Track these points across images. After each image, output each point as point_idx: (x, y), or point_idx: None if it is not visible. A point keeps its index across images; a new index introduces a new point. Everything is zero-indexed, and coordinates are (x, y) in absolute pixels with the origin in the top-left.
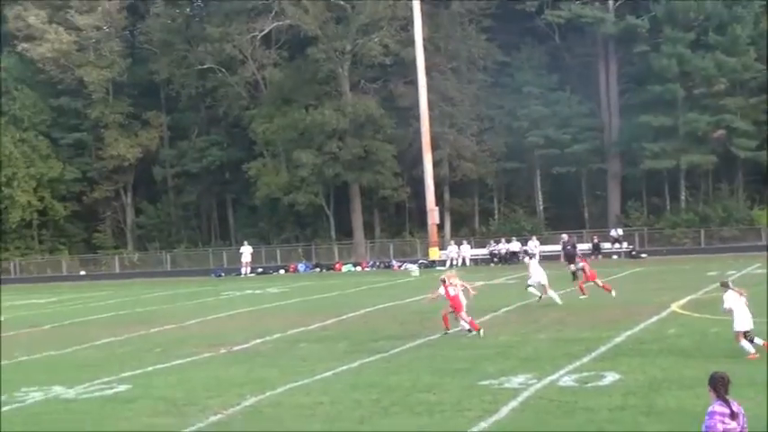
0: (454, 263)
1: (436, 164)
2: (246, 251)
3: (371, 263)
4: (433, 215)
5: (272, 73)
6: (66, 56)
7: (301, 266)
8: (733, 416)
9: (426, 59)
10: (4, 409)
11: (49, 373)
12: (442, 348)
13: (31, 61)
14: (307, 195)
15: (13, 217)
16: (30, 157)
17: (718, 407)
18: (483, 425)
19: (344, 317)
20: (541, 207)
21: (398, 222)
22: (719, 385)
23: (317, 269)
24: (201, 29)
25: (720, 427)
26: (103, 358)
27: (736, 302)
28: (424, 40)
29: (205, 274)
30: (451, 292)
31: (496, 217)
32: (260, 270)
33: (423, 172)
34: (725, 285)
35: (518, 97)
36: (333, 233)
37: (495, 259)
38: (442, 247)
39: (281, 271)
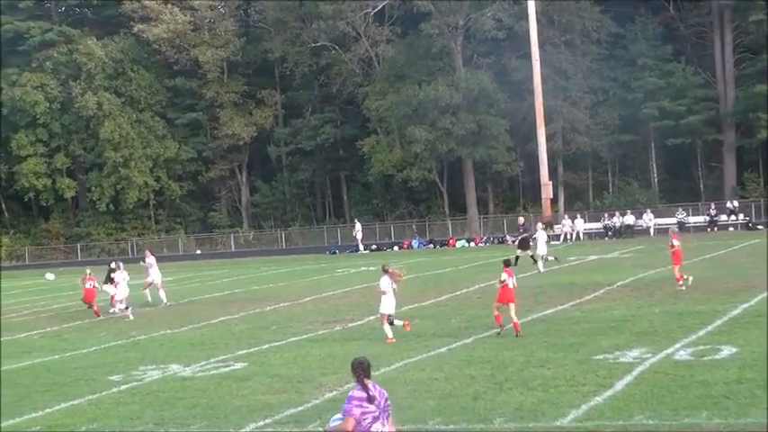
0: (568, 237)
1: (550, 137)
2: (357, 228)
3: (485, 238)
4: (547, 189)
5: (386, 49)
6: (181, 36)
7: (415, 243)
8: (371, 399)
9: (540, 33)
10: (122, 387)
11: (166, 352)
12: (555, 323)
13: (147, 42)
14: (420, 171)
15: (130, 197)
16: (146, 137)
17: (356, 392)
18: (598, 399)
19: (458, 293)
20: (656, 179)
21: (512, 197)
22: (359, 370)
23: (431, 245)
24: (315, 6)
25: (357, 411)
26: (219, 336)
27: (387, 286)
28: (537, 12)
29: (319, 251)
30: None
31: (611, 190)
32: (374, 247)
33: (536, 146)
34: (384, 270)
35: (632, 69)
36: (446, 209)
37: (610, 233)
38: (556, 222)
39: (395, 247)
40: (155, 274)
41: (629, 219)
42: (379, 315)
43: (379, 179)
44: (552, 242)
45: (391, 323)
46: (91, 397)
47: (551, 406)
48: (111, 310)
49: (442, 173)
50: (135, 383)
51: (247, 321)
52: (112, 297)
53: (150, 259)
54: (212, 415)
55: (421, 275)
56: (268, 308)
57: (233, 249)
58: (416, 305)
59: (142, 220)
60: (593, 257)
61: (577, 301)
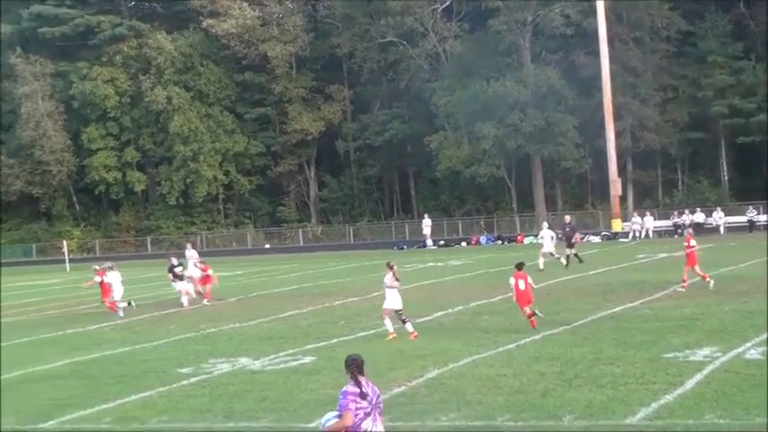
0: (637, 235)
1: (618, 135)
2: (425, 224)
3: (553, 235)
4: (616, 186)
5: (454, 45)
6: (250, 31)
7: (483, 239)
8: (363, 396)
9: (608, 29)
10: (192, 379)
11: (235, 345)
12: (625, 321)
13: (216, 37)
14: (488, 167)
15: (199, 191)
16: (215, 131)
17: (350, 387)
18: (668, 398)
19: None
20: (726, 177)
21: (580, 194)
22: (352, 367)
23: (499, 241)
24: (383, 2)
25: (353, 406)
26: (288, 330)
27: (392, 282)
28: (605, 9)
29: (387, 246)
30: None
31: (680, 188)
32: (442, 242)
33: (605, 143)
34: (389, 266)
35: (702, 66)
36: (514, 205)
37: (679, 231)
38: (625, 219)
39: (463, 243)
40: (192, 268)
41: (699, 217)
42: (446, 312)
43: (447, 175)
44: (621, 239)
45: (404, 322)
46: (161, 389)
47: (621, 404)
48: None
49: (510, 169)
50: (205, 376)
51: (316, 316)
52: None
53: (190, 252)
54: (281, 408)
55: (489, 271)
56: (336, 302)
57: (301, 244)
58: (485, 301)
59: (211, 214)
60: (663, 255)
61: (647, 298)
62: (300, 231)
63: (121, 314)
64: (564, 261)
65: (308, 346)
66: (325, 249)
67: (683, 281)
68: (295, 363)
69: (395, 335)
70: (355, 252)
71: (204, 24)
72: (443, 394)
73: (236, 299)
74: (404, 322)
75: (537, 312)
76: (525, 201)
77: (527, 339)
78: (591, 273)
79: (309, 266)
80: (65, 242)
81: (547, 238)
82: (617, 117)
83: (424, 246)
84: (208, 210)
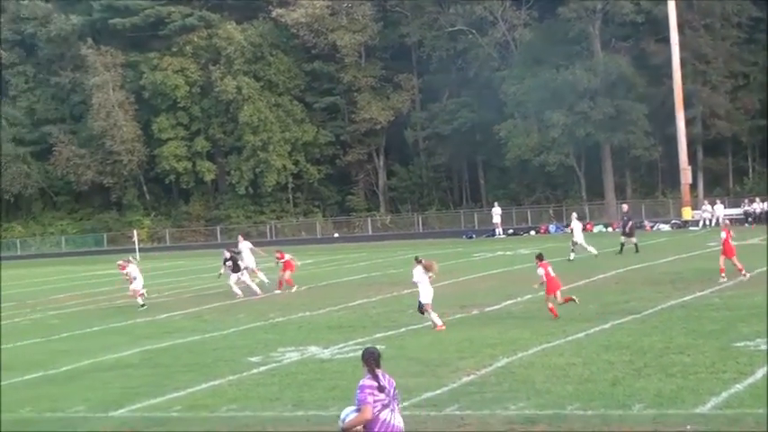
0: (707, 223)
1: (689, 122)
2: (496, 212)
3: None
4: (686, 174)
5: (523, 33)
6: (319, 21)
7: (552, 227)
8: (381, 389)
9: (679, 16)
10: (262, 368)
11: (304, 334)
12: (695, 309)
13: (286, 27)
14: (557, 156)
15: (269, 180)
16: (284, 121)
17: (367, 380)
18: (738, 387)
19: (595, 278)
20: None
21: (650, 182)
22: (370, 360)
23: (568, 230)
24: None
25: (371, 399)
26: (357, 319)
27: (422, 276)
28: None
29: (456, 235)
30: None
31: (751, 176)
32: (510, 231)
33: (675, 131)
34: (417, 261)
35: None
36: (583, 193)
37: (750, 219)
38: (695, 207)
39: (532, 232)
40: (248, 259)
41: None
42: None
43: (516, 163)
44: (691, 227)
45: (422, 313)
46: (231, 378)
47: (691, 393)
48: (276, 291)
49: (580, 157)
50: (274, 365)
51: (385, 305)
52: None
53: (243, 244)
54: (350, 397)
55: (557, 260)
56: (405, 291)
57: (370, 233)
58: None
59: (281, 204)
60: (733, 243)
61: (717, 287)
62: (369, 220)
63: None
64: (594, 251)
65: (377, 335)
66: (394, 238)
67: (721, 271)
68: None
69: (443, 326)
70: (424, 241)
71: (274, 14)
72: (513, 383)
73: (305, 288)
74: (422, 313)
75: (574, 298)
76: (594, 189)
77: (596, 328)
78: (660, 261)
79: (378, 255)
80: (135, 232)
81: (577, 229)
82: (687, 104)
83: (493, 234)
84: (277, 199)
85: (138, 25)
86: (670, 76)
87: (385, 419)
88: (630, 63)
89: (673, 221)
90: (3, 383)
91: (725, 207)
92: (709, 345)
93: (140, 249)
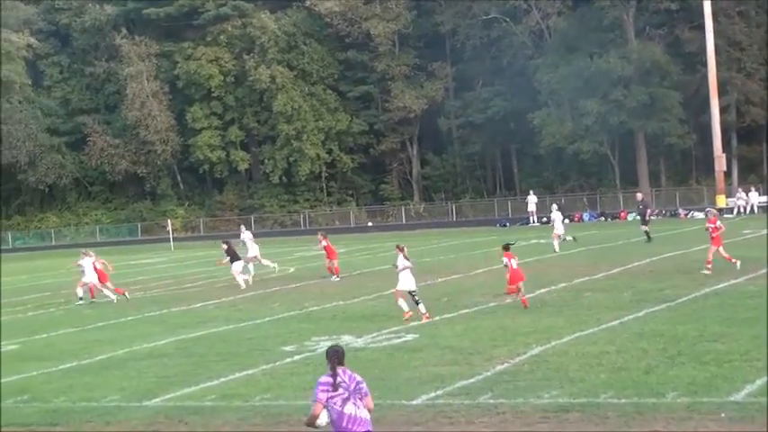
0: (741, 211)
1: (723, 110)
2: (532, 200)
3: (657, 211)
4: (721, 162)
5: (557, 21)
6: (353, 9)
7: (586, 215)
8: (337, 385)
9: (713, 4)
10: (296, 357)
11: (338, 323)
12: (729, 297)
13: (319, 16)
14: (591, 144)
15: (302, 169)
16: (318, 110)
17: (324, 377)
18: None
19: (630, 266)
20: None
21: (684, 170)
22: (333, 358)
23: (602, 218)
24: None
25: (324, 396)
26: (391, 308)
27: (404, 263)
28: None
29: (490, 223)
30: None
31: None
32: (544, 219)
33: (709, 118)
34: (399, 248)
35: None
36: (617, 182)
37: None
38: (729, 195)
39: (566, 220)
40: (252, 249)
41: None
42: (549, 289)
43: (550, 152)
44: (725, 215)
45: (417, 303)
46: (265, 367)
47: (725, 381)
48: (334, 278)
49: (614, 145)
50: (308, 354)
51: (419, 293)
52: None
53: (245, 234)
54: (384, 386)
55: (592, 248)
56: (439, 280)
57: (404, 222)
58: (587, 278)
59: (314, 193)
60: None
61: (752, 275)
62: (403, 209)
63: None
64: (570, 238)
65: (411, 324)
66: (428, 227)
67: (708, 262)
68: (398, 340)
69: (411, 313)
70: (458, 230)
71: (307, 3)
72: (546, 371)
73: (339, 277)
74: (417, 303)
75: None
76: (628, 177)
77: (630, 316)
78: (694, 249)
79: (412, 244)
80: (169, 221)
81: (557, 220)
82: (722, 92)
83: (527, 223)
84: (311, 188)
85: (172, 15)
86: (704, 64)
87: (351, 414)
88: (664, 50)
89: (707, 209)
90: (36, 373)
91: (759, 194)
92: (743, 333)
93: (174, 239)
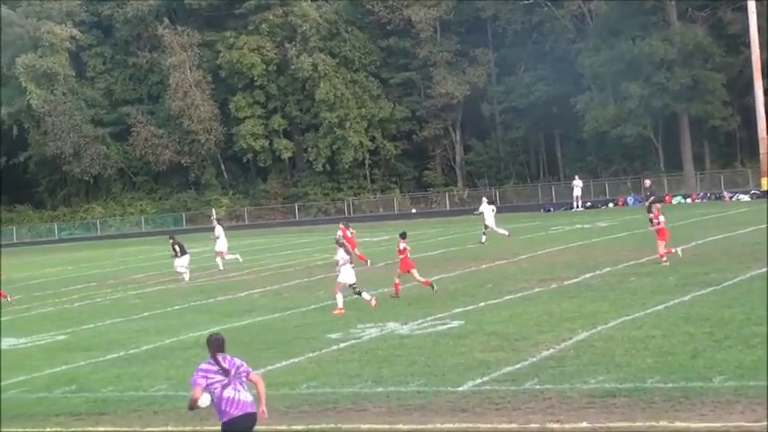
0: None
1: (767, 91)
2: (577, 185)
3: (701, 194)
4: (765, 144)
5: (598, 5)
6: None
7: (630, 199)
8: (223, 371)
9: None
10: (341, 344)
11: (383, 310)
12: None
13: (361, 3)
14: (635, 127)
15: (346, 157)
16: (361, 97)
17: (205, 365)
18: None
19: (674, 249)
20: None
21: (729, 152)
22: (213, 346)
23: (647, 202)
24: None
25: (203, 381)
26: (436, 295)
27: (344, 257)
28: None
29: (534, 209)
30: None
31: None
32: (588, 204)
33: (754, 100)
34: (340, 244)
35: None
36: (662, 165)
37: None
38: None
39: (610, 204)
40: (221, 243)
41: None
42: (594, 273)
43: (593, 136)
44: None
45: (359, 294)
46: (311, 355)
47: None
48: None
49: (657, 129)
50: (353, 341)
51: (463, 279)
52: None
53: (218, 229)
54: (430, 373)
55: (636, 233)
56: (483, 266)
57: (447, 208)
58: (633, 262)
59: (358, 180)
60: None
61: None
62: (446, 195)
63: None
64: (505, 232)
65: (456, 310)
66: (472, 213)
67: (661, 255)
68: (443, 327)
69: (343, 310)
70: (501, 215)
71: None
72: (592, 356)
73: (383, 264)
74: (359, 294)
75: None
76: (673, 160)
77: (675, 300)
78: (740, 232)
79: (456, 230)
80: (214, 210)
81: (487, 211)
82: (765, 73)
83: (571, 207)
84: (354, 176)
85: (213, 4)
86: (747, 45)
87: (229, 397)
88: (707, 32)
89: (752, 191)
90: (84, 363)
91: None
92: None
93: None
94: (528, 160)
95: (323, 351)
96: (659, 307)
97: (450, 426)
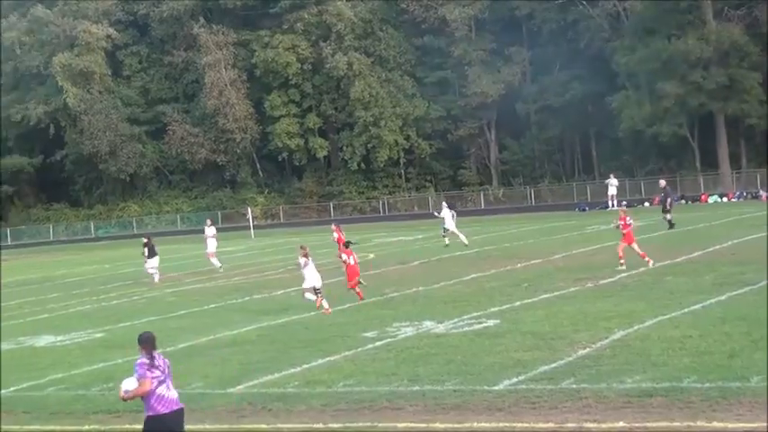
0: None
1: None
2: (612, 184)
3: (738, 194)
4: None
5: (633, 4)
6: None
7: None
8: (155, 366)
9: None
10: (378, 343)
11: (419, 309)
12: None
13: (395, 1)
14: (670, 127)
15: (380, 156)
16: (395, 96)
17: (144, 359)
18: None
19: (711, 249)
20: None
21: (765, 151)
22: (147, 343)
23: (683, 201)
24: None
25: (149, 374)
26: (471, 294)
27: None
28: None
29: (569, 208)
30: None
31: None
32: (624, 203)
33: None
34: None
35: None
36: (698, 164)
37: None
38: None
39: (646, 204)
40: (211, 244)
41: None
42: (630, 273)
43: (629, 135)
44: None
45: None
46: (347, 353)
47: None
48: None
49: (693, 128)
50: (389, 340)
51: (499, 278)
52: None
53: (209, 230)
54: (466, 371)
55: (673, 232)
56: (519, 265)
57: (482, 207)
58: (669, 262)
59: (393, 179)
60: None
61: None
62: (482, 194)
63: None
64: (464, 240)
65: (492, 309)
66: (507, 212)
67: (620, 257)
68: (479, 326)
69: (321, 301)
70: (536, 214)
71: None
72: (628, 356)
73: (418, 262)
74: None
75: (362, 282)
76: (709, 159)
77: (712, 300)
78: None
79: (491, 229)
80: (249, 209)
81: (447, 216)
82: None
83: (606, 207)
84: (389, 174)
85: (248, 4)
86: None
87: (161, 394)
88: (743, 31)
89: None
90: (121, 361)
91: None
92: None
93: (255, 226)
94: (563, 159)
95: (359, 349)
96: (696, 306)
97: (487, 425)
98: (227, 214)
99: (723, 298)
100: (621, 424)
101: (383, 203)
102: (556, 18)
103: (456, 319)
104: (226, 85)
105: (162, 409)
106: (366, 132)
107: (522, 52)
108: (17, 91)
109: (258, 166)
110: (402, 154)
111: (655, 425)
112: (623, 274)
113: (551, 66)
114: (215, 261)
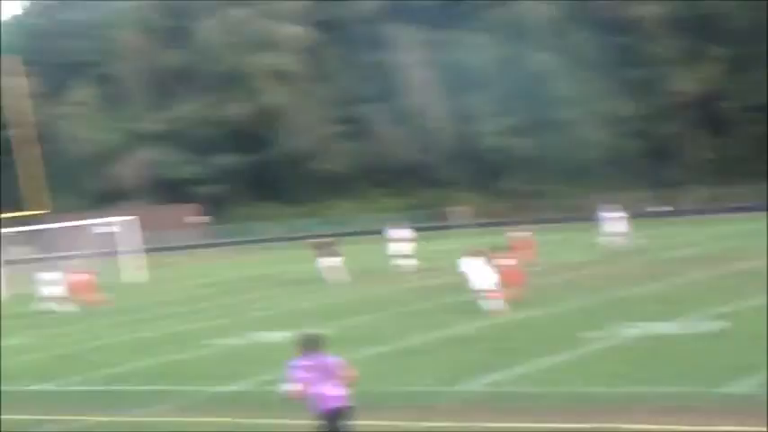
0: None
1: None
2: None
3: None
4: None
5: None
6: None
7: None
8: (313, 367)
9: None
10: (603, 344)
11: (644, 307)
12: None
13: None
14: None
15: (584, 155)
16: (596, 95)
17: (300, 361)
18: None
19: None
20: None
21: None
22: (307, 345)
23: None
24: None
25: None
26: (696, 294)
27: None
28: None
29: None
30: None
31: None
32: None
33: None
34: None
35: None
36: None
37: None
38: None
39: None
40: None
41: None
42: None
43: None
44: None
45: None
46: (572, 353)
47: None
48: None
49: None
50: (615, 341)
51: (726, 278)
52: None
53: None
54: (695, 373)
55: None
56: (746, 265)
57: (690, 207)
58: None
59: (596, 179)
60: None
61: None
62: (690, 194)
63: None
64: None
65: (723, 310)
66: (719, 212)
67: None
68: (708, 326)
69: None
70: (749, 214)
71: None
72: None
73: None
74: None
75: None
76: None
77: None
78: None
79: (702, 230)
80: (457, 209)
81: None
82: None
83: None
84: (592, 174)
85: (442, 3)
86: None
87: (321, 392)
88: None
89: None
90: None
91: None
92: None
93: (461, 226)
94: None
95: (584, 350)
96: None
97: (722, 428)
98: (433, 213)
99: None
100: None
101: (589, 203)
102: (755, 16)
103: (683, 319)
104: (425, 84)
105: (326, 406)
106: (568, 131)
107: (722, 50)
108: (217, 91)
109: (463, 165)
110: (605, 153)
111: None
112: None
113: (754, 63)
114: (407, 261)
